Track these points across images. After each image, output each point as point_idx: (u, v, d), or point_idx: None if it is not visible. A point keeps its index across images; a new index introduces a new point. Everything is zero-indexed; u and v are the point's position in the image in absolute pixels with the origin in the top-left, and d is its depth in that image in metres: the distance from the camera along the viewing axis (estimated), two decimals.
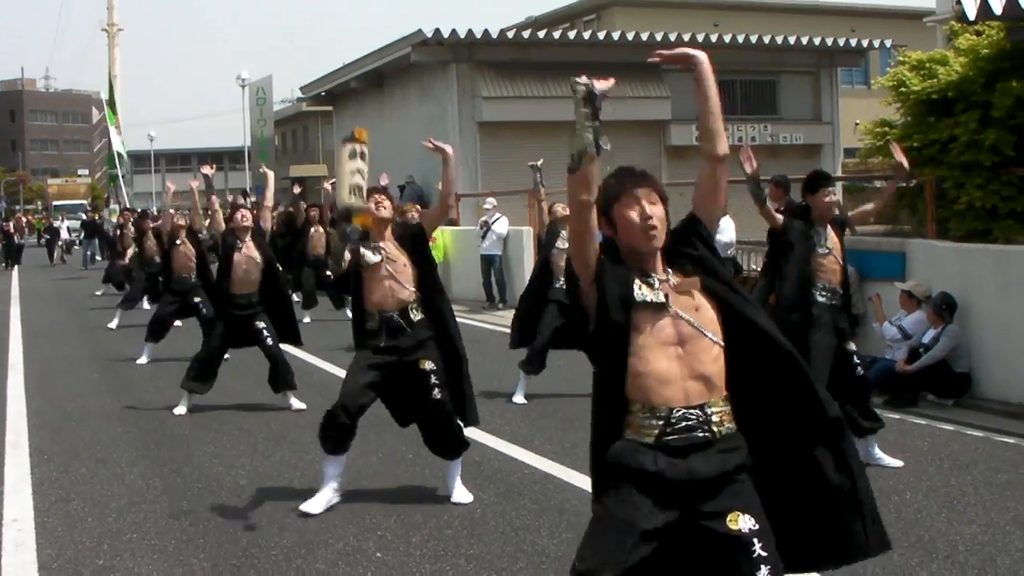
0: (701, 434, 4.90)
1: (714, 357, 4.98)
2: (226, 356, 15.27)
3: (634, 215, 5.02)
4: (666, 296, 5.00)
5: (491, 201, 28.35)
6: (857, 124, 37.02)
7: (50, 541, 9.22)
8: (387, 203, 9.91)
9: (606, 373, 5.05)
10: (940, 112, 19.44)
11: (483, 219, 28.36)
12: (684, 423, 4.90)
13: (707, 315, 5.02)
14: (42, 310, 30.72)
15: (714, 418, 4.95)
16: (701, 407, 4.93)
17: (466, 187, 34.76)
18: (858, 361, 11.16)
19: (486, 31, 35.03)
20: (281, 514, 9.71)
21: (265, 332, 14.38)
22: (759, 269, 20.08)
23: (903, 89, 19.94)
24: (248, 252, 14.27)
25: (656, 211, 5.05)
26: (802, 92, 39.93)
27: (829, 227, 11.18)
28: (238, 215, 14.51)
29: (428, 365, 9.77)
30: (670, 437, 4.90)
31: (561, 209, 14.93)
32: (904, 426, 13.37)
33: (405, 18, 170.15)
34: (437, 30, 34.65)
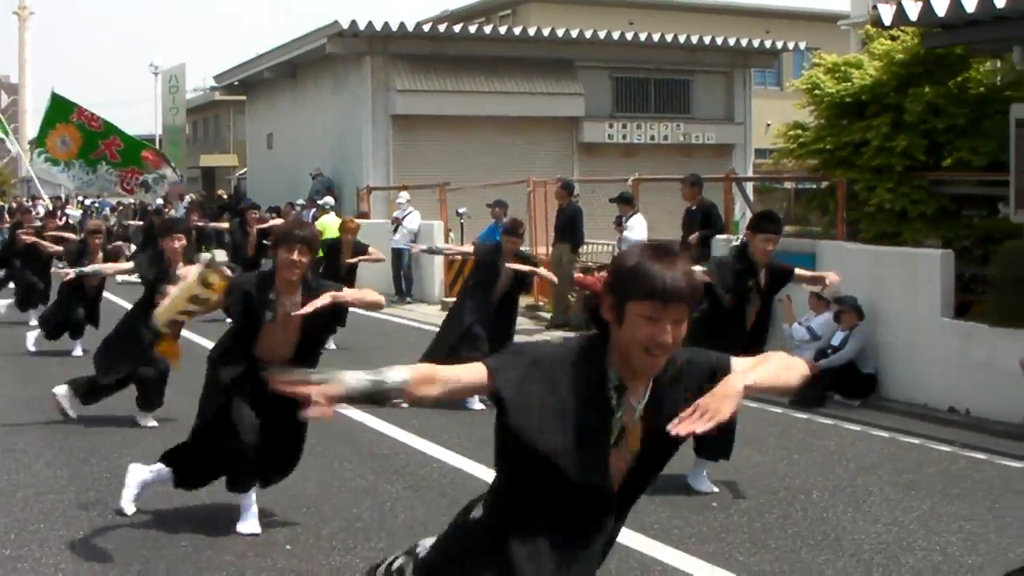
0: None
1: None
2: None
3: (649, 333, 4.08)
4: (622, 429, 4.26)
5: (404, 195, 28.35)
6: (769, 125, 37.23)
7: None
8: (305, 259, 8.77)
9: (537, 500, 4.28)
10: (853, 115, 19.52)
11: (395, 215, 28.33)
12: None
13: (636, 455, 4.34)
14: None
15: None
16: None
17: (378, 180, 34.71)
18: None
19: (402, 24, 34.88)
20: (190, 504, 9.61)
21: None
22: None
23: (817, 92, 20.03)
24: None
25: (677, 334, 4.11)
26: (715, 92, 40.07)
27: (764, 271, 10.43)
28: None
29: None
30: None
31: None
32: (811, 426, 13.49)
33: (321, 8, 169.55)
34: (353, 22, 34.47)
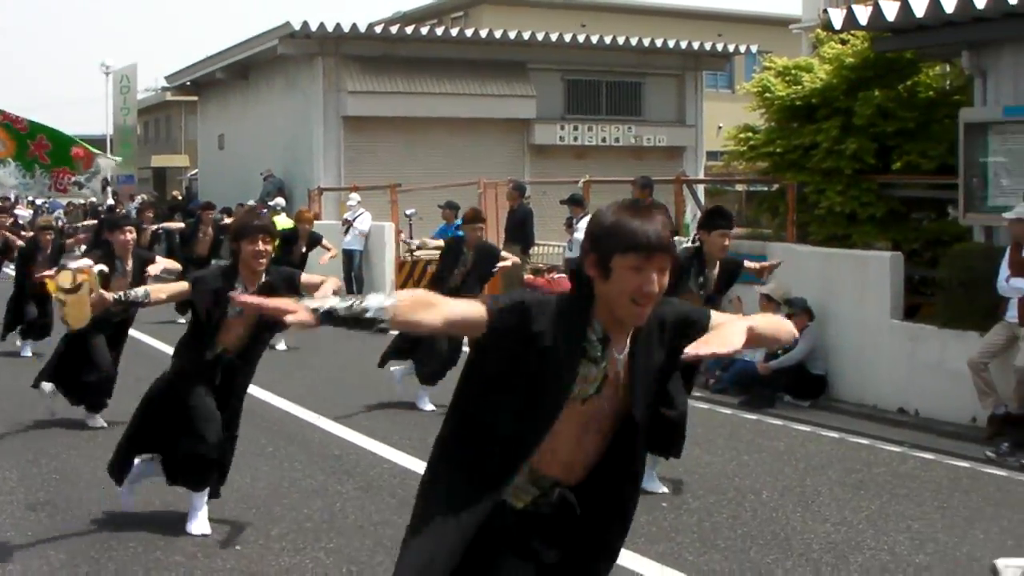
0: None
1: (604, 446, 4.56)
2: None
3: (636, 283, 4.18)
4: (604, 378, 4.37)
5: (355, 197, 28.25)
6: (720, 127, 37.28)
7: None
8: (270, 247, 8.75)
9: (503, 431, 4.39)
10: (803, 118, 19.61)
11: (345, 216, 28.24)
12: (557, 498, 4.57)
13: (626, 403, 4.44)
14: None
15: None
16: (573, 487, 4.60)
17: (329, 181, 34.55)
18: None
19: (354, 25, 34.75)
20: (139, 506, 9.55)
21: None
22: None
23: (767, 95, 20.11)
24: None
25: (663, 283, 4.21)
26: (667, 94, 40.08)
27: (717, 267, 10.45)
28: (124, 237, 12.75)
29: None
30: (541, 507, 4.58)
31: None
32: (761, 426, 13.54)
33: (273, 8, 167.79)
34: (305, 23, 34.31)
